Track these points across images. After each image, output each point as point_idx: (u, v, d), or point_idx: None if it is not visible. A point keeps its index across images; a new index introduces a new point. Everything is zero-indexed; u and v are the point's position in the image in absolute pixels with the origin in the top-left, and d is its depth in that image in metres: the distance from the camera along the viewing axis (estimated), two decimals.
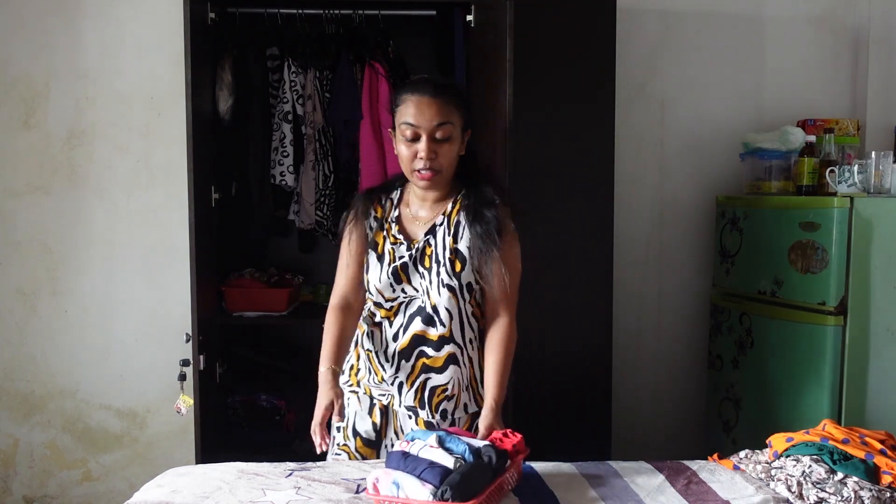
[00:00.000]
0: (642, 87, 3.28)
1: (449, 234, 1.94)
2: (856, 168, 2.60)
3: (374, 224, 1.99)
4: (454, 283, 1.91)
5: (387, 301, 1.97)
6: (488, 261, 1.89)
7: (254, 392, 2.99)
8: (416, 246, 1.94)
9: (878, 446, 1.92)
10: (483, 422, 1.86)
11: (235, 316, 2.88)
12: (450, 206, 1.96)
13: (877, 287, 2.52)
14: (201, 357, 2.40)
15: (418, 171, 1.89)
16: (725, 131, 3.28)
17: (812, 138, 2.85)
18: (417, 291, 1.94)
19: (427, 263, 1.93)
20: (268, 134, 2.91)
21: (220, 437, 2.92)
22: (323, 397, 1.84)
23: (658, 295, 3.35)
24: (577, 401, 2.84)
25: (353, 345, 2.03)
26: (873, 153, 2.59)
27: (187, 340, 2.44)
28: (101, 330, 3.16)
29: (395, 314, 1.97)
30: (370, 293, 1.98)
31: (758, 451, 2.08)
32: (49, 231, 3.12)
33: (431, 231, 1.95)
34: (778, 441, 2.03)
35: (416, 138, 1.88)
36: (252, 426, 2.98)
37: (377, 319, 1.99)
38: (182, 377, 2.49)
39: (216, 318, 2.85)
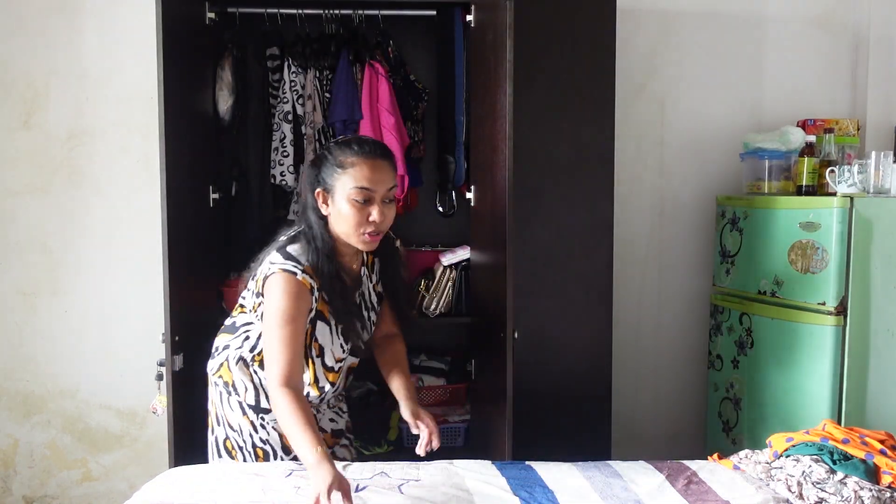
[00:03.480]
0: (642, 87, 3.28)
1: (370, 280, 2.12)
2: (856, 168, 2.60)
3: (315, 296, 1.93)
4: (375, 317, 2.15)
5: (336, 363, 2.06)
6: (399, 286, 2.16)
7: None
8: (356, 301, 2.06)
9: (878, 446, 1.92)
10: (409, 409, 2.01)
11: None
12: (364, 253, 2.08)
13: (877, 287, 2.52)
14: (177, 357, 2.41)
15: (368, 233, 1.91)
16: (725, 131, 3.29)
17: (812, 138, 2.85)
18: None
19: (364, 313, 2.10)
20: (268, 134, 2.91)
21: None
22: (328, 474, 1.66)
23: (658, 295, 3.35)
24: (577, 401, 2.85)
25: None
26: (873, 153, 2.59)
27: (162, 341, 2.45)
28: (101, 330, 3.17)
29: (339, 373, 2.08)
30: (320, 362, 2.03)
31: (758, 451, 2.09)
32: (49, 231, 3.12)
33: (359, 283, 2.08)
34: (778, 441, 2.04)
35: (367, 201, 1.90)
36: None
37: (321, 385, 2.06)
38: (159, 377, 2.50)
39: (216, 317, 2.85)
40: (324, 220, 1.95)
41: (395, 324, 2.20)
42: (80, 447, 3.19)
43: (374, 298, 2.13)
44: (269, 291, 1.89)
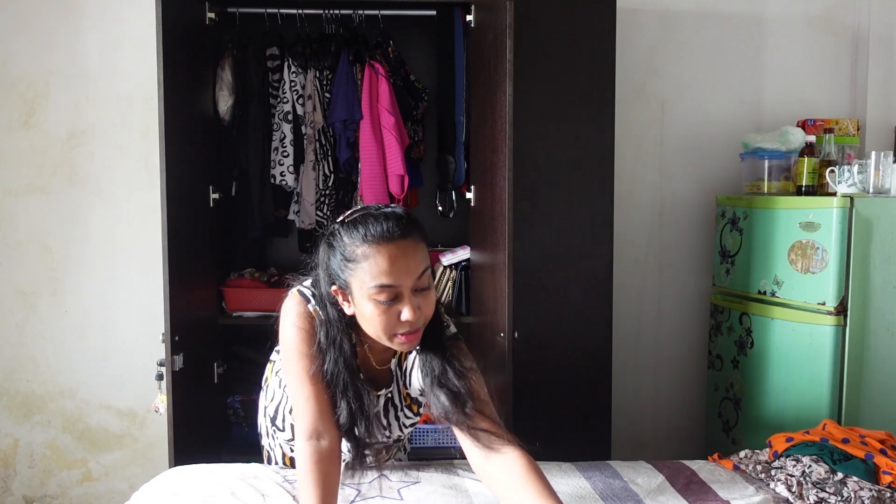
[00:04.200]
0: (642, 87, 3.28)
1: (402, 383, 1.73)
2: (856, 168, 2.60)
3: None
4: (415, 419, 1.76)
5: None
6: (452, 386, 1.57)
7: (254, 392, 2.99)
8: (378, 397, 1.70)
9: (878, 446, 1.92)
10: None
11: (235, 316, 2.88)
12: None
13: (877, 287, 2.52)
14: (177, 357, 2.40)
15: (402, 334, 1.50)
16: (725, 131, 3.29)
17: (812, 138, 2.85)
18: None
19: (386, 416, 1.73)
20: (268, 134, 2.91)
21: (222, 437, 2.92)
22: None
23: (658, 295, 3.35)
24: (577, 400, 2.85)
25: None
26: (873, 153, 2.59)
27: (162, 341, 2.45)
28: (101, 330, 3.17)
29: None
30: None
31: (758, 451, 2.09)
32: (49, 231, 3.12)
33: (387, 381, 1.72)
34: (778, 441, 2.04)
35: (395, 298, 1.48)
36: (252, 426, 2.98)
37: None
38: (159, 377, 2.50)
39: (216, 317, 2.86)
40: (348, 317, 1.57)
41: (496, 432, 1.54)
42: (80, 447, 3.19)
43: (402, 401, 1.75)
44: (285, 310, 1.60)
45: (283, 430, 1.79)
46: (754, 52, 3.31)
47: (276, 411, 1.80)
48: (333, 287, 1.53)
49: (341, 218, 1.57)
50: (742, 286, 2.92)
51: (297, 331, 1.56)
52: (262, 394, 1.89)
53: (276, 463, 1.95)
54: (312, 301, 1.58)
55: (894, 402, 2.55)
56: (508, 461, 1.50)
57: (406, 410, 1.75)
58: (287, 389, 1.65)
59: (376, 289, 1.46)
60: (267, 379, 1.85)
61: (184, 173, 2.50)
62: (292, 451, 1.77)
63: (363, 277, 1.46)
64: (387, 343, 1.53)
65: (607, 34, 2.81)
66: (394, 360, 1.72)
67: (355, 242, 1.48)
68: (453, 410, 1.53)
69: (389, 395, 1.72)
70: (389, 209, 1.53)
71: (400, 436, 1.80)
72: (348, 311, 1.55)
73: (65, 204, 3.12)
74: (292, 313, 1.57)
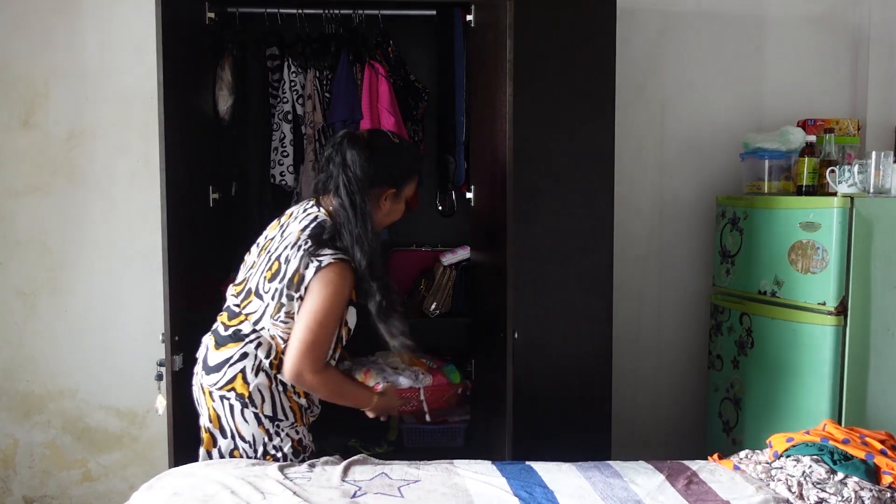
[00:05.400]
0: (642, 88, 3.28)
1: None
2: (856, 168, 2.60)
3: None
4: None
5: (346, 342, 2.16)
6: None
7: None
8: None
9: (879, 446, 1.92)
10: None
11: None
12: None
13: (877, 287, 2.52)
14: (177, 357, 2.40)
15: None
16: (725, 131, 3.28)
17: (812, 138, 2.85)
18: None
19: None
20: (268, 134, 2.91)
21: None
22: (393, 399, 2.23)
23: (658, 295, 3.35)
24: (578, 400, 2.85)
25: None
26: (873, 153, 2.58)
27: (162, 341, 2.44)
28: (101, 330, 3.16)
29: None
30: (345, 340, 2.13)
31: (758, 451, 2.09)
32: (49, 231, 3.12)
33: None
34: (778, 441, 2.04)
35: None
36: None
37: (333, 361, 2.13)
38: (159, 377, 2.50)
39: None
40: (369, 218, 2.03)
41: None
42: (79, 447, 3.19)
43: None
44: (329, 281, 1.94)
45: (286, 418, 2.06)
46: (754, 52, 3.31)
47: (274, 410, 2.06)
48: (389, 190, 2.10)
49: (400, 140, 2.21)
50: (742, 286, 2.92)
51: (348, 290, 2.00)
52: (244, 411, 2.06)
53: (288, 458, 2.05)
54: (347, 256, 1.98)
55: (894, 402, 2.55)
56: None
57: None
58: (297, 327, 1.98)
59: (414, 191, 2.21)
60: (248, 395, 2.05)
61: (184, 173, 2.49)
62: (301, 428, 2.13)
63: (412, 185, 2.17)
64: (386, 225, 2.21)
65: (607, 34, 2.81)
66: None
67: (414, 170, 2.17)
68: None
69: None
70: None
71: None
72: (384, 209, 2.11)
73: (65, 204, 3.12)
74: (347, 276, 1.97)
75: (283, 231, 2.07)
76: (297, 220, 2.06)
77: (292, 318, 1.98)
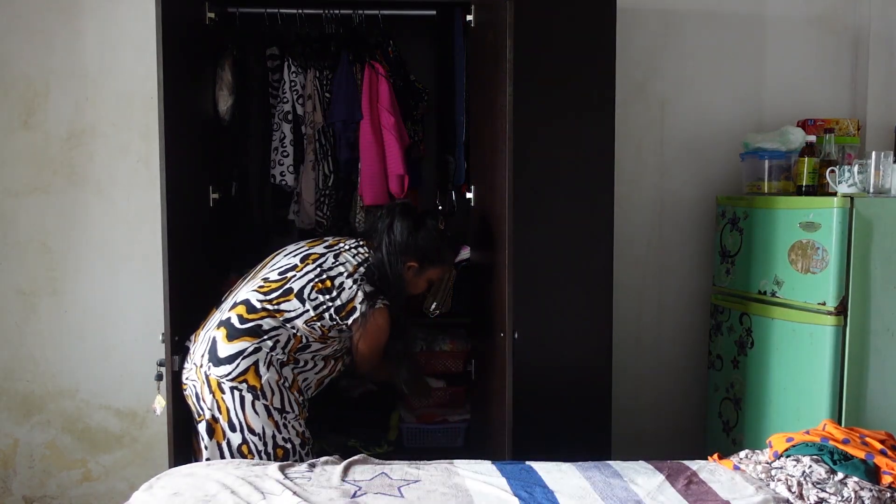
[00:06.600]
0: (642, 87, 3.28)
1: None
2: (856, 168, 2.60)
3: None
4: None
5: None
6: None
7: None
8: None
9: (879, 446, 1.92)
10: None
11: None
12: None
13: (877, 287, 2.52)
14: (177, 357, 2.40)
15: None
16: (725, 131, 3.29)
17: (812, 138, 2.85)
18: None
19: None
20: (268, 134, 2.91)
21: None
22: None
23: (658, 295, 3.35)
24: (578, 400, 2.84)
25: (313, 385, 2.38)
26: (873, 153, 2.59)
27: (162, 341, 2.45)
28: (101, 330, 3.17)
29: None
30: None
31: (758, 451, 2.09)
32: (49, 231, 3.12)
33: None
34: (778, 441, 2.04)
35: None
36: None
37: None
38: (159, 377, 2.50)
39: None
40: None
41: None
42: (79, 447, 3.19)
43: None
44: (377, 322, 2.33)
45: (292, 411, 2.26)
46: (755, 52, 3.31)
47: (282, 402, 2.24)
48: (413, 263, 2.40)
49: (442, 233, 2.51)
50: (742, 286, 2.92)
51: (385, 335, 2.38)
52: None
53: (296, 451, 2.23)
54: (385, 299, 2.34)
55: (894, 402, 2.55)
56: None
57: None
58: (358, 350, 2.38)
59: (437, 278, 2.57)
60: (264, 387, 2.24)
61: (184, 173, 2.49)
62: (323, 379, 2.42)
63: (437, 272, 2.51)
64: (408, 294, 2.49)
65: (607, 34, 2.81)
66: None
67: (450, 258, 2.65)
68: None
69: None
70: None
71: None
72: (407, 276, 2.40)
73: (64, 204, 3.12)
74: (386, 326, 2.36)
75: (337, 256, 2.34)
76: (351, 253, 2.36)
77: (324, 330, 2.28)
